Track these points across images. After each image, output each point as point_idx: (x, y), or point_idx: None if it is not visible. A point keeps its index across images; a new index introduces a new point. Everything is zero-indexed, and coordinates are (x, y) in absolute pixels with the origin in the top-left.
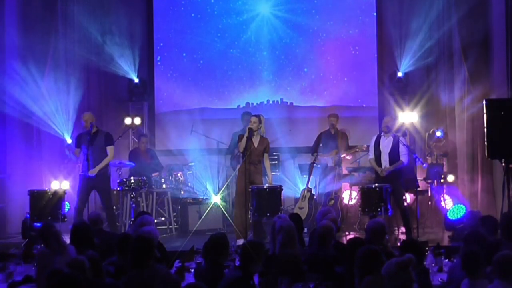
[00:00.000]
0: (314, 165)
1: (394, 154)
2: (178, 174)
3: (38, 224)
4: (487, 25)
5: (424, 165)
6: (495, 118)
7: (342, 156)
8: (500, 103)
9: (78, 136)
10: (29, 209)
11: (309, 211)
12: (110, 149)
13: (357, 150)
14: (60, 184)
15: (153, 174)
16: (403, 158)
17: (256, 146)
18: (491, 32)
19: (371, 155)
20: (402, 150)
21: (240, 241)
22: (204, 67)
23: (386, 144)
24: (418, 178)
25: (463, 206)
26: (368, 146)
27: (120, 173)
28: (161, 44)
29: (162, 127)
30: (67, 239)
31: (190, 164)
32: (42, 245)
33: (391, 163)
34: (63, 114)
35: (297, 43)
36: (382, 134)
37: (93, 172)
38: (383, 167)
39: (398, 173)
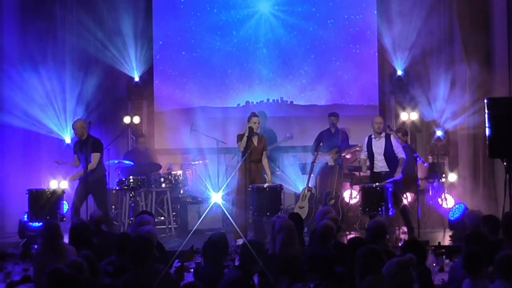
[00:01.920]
0: (315, 164)
1: (388, 154)
2: (178, 173)
3: (36, 224)
4: (488, 23)
5: (425, 164)
6: (496, 117)
7: (342, 155)
8: (501, 102)
9: (75, 143)
10: (27, 209)
11: (309, 211)
12: (93, 156)
13: (357, 149)
14: (59, 183)
15: (153, 173)
16: (401, 154)
17: (256, 144)
18: (493, 30)
19: (364, 155)
20: (396, 146)
21: (240, 241)
22: (203, 65)
23: (379, 146)
24: (419, 177)
25: (462, 206)
26: None
27: (119, 172)
28: (160, 42)
29: (161, 126)
30: (66, 239)
31: (189, 163)
32: (40, 245)
33: (387, 163)
34: (62, 113)
35: (297, 41)
36: (373, 136)
37: (74, 179)
38: (377, 168)
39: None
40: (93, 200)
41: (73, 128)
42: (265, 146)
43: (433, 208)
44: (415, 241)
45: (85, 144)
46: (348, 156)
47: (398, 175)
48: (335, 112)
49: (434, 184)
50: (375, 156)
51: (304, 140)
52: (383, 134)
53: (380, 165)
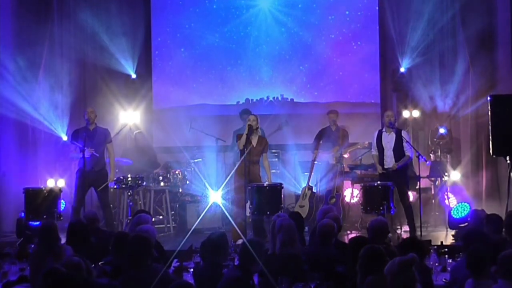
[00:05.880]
0: (315, 162)
1: (398, 150)
2: (176, 172)
3: (34, 223)
4: (491, 19)
5: (427, 162)
6: (499, 114)
7: (342, 154)
8: (504, 99)
9: (75, 132)
10: (24, 207)
11: (310, 210)
12: (111, 147)
13: (358, 147)
14: (56, 182)
15: (151, 172)
16: (408, 152)
17: (254, 145)
18: (496, 26)
19: (374, 151)
20: (406, 144)
21: (240, 241)
22: (202, 62)
23: (389, 140)
24: (421, 176)
25: (467, 205)
26: (369, 143)
27: (117, 170)
28: (159, 39)
29: (160, 124)
30: (63, 238)
31: (188, 161)
32: (36, 244)
33: (396, 159)
34: (59, 111)
35: (298, 38)
36: (384, 130)
37: (112, 179)
38: (386, 164)
39: (404, 170)
40: (89, 199)
41: (87, 112)
42: (266, 148)
43: (435, 207)
44: (413, 239)
45: (95, 134)
46: (346, 156)
47: (396, 166)
48: (334, 109)
49: (437, 182)
50: (385, 151)
51: (305, 138)
52: (394, 129)
53: (389, 160)
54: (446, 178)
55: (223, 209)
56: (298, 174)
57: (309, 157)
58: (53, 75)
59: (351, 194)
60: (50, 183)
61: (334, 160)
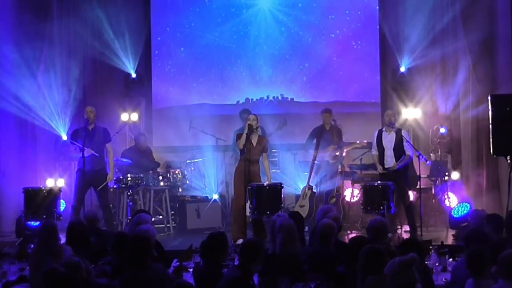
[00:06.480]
0: (315, 162)
1: (398, 150)
2: (176, 172)
3: (34, 223)
4: (492, 19)
5: (427, 162)
6: (500, 114)
7: (337, 153)
8: (505, 99)
9: (74, 132)
10: (23, 207)
11: (310, 209)
12: (110, 146)
13: (356, 146)
14: (55, 181)
15: (151, 172)
16: (409, 152)
17: (254, 145)
18: (496, 26)
19: (374, 151)
20: (406, 144)
21: (240, 241)
22: (202, 62)
23: (389, 140)
24: (422, 176)
25: (468, 204)
26: (368, 142)
27: (116, 170)
28: (159, 38)
29: (159, 123)
30: (63, 238)
31: (188, 161)
32: (36, 244)
33: (396, 159)
34: (59, 110)
35: (298, 37)
36: (384, 129)
37: (111, 179)
38: (387, 163)
39: (404, 169)
40: (89, 198)
41: (86, 111)
42: (265, 148)
43: (436, 207)
44: (413, 239)
45: (94, 133)
46: (343, 154)
47: (396, 166)
48: (329, 108)
49: (437, 182)
50: (385, 151)
51: (304, 137)
52: (394, 129)
53: (389, 160)
54: (446, 178)
55: (223, 208)
56: (298, 174)
57: (309, 156)
58: (53, 72)
59: (351, 193)
60: (50, 183)
61: (330, 159)
